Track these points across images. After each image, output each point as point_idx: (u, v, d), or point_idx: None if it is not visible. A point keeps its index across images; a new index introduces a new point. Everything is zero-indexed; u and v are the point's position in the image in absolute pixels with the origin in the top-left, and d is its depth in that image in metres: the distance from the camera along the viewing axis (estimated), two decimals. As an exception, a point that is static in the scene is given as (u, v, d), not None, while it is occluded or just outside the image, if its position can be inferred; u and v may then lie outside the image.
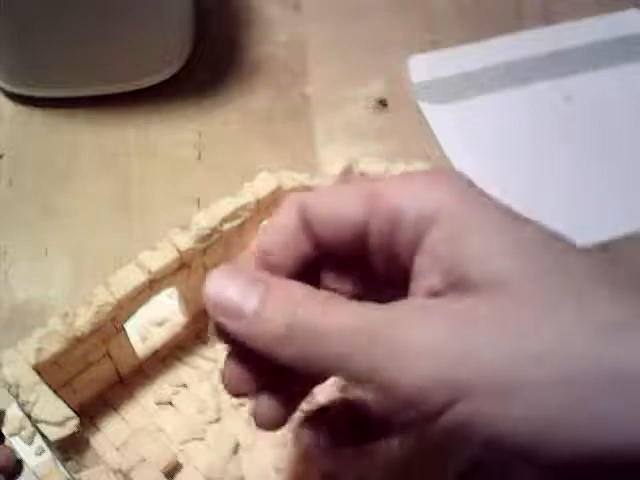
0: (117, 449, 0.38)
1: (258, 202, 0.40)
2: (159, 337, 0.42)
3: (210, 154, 0.52)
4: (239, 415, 0.40)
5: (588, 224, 0.48)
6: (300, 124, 0.53)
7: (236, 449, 0.39)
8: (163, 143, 0.52)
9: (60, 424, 0.33)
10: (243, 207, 0.40)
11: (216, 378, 0.41)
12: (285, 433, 0.39)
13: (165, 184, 0.50)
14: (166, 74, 0.54)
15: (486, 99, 0.55)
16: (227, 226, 0.39)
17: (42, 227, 0.48)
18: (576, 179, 0.50)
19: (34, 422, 0.33)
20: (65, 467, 0.34)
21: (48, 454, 0.38)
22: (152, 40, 0.52)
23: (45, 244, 0.47)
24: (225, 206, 0.40)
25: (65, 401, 0.34)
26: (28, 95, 0.53)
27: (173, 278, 0.39)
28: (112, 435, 0.39)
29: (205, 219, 0.39)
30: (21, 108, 0.54)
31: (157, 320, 0.42)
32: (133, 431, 0.39)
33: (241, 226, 0.40)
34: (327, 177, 0.45)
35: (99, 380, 0.39)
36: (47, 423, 0.33)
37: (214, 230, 0.39)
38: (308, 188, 0.44)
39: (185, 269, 0.39)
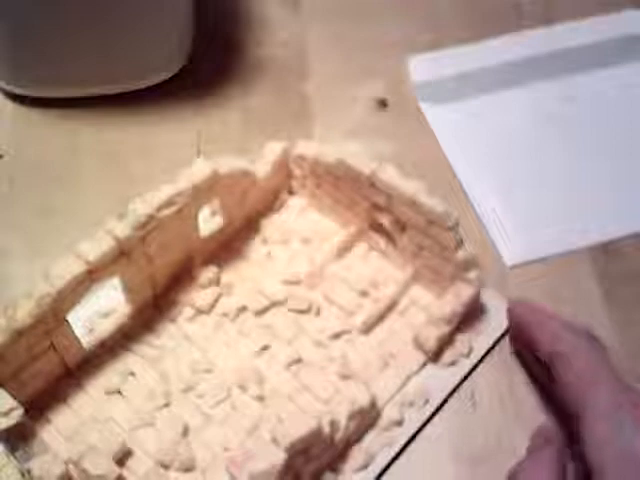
0: (67, 439, 0.38)
1: (195, 188, 0.40)
2: (105, 328, 0.42)
3: (210, 154, 0.51)
4: (188, 399, 0.40)
5: (588, 224, 0.48)
6: (300, 124, 0.53)
7: (186, 432, 0.39)
8: (163, 143, 0.52)
9: (4, 414, 0.33)
10: (179, 193, 0.40)
11: (163, 364, 0.41)
12: (234, 413, 0.39)
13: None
14: (166, 74, 0.54)
15: (486, 99, 0.55)
16: (164, 212, 0.39)
17: (42, 227, 0.48)
18: (576, 179, 0.50)
19: None
20: (15, 457, 0.35)
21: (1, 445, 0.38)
22: (152, 40, 0.52)
23: (45, 244, 0.47)
24: (161, 192, 0.40)
25: (13, 394, 0.34)
26: (28, 95, 0.53)
27: (114, 267, 0.39)
28: (62, 426, 0.39)
29: (141, 206, 0.39)
30: (21, 108, 0.54)
31: (103, 311, 0.42)
32: (83, 421, 0.39)
33: (178, 212, 0.40)
34: (264, 162, 0.45)
35: (46, 372, 0.39)
36: None
37: (151, 217, 0.39)
38: (245, 173, 0.43)
39: (124, 257, 0.39)
